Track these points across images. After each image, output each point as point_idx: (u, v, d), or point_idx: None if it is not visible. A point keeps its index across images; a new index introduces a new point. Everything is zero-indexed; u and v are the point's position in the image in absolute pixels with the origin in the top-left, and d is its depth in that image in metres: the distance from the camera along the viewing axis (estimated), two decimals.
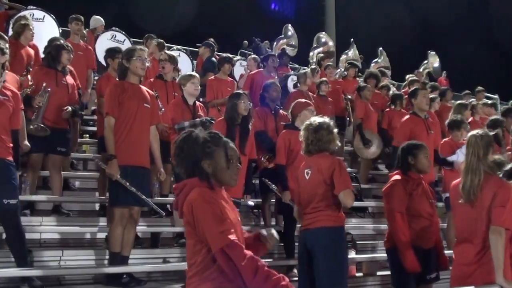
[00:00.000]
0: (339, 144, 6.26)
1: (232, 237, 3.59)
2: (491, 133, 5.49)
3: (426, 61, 19.42)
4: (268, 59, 11.90)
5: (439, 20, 34.02)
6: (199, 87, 8.16)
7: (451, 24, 33.76)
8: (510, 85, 27.98)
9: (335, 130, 5.95)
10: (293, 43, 16.95)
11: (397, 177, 6.07)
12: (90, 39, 12.19)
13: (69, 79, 8.09)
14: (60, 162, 7.97)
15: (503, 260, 4.92)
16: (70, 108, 7.81)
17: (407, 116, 9.08)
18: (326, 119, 5.99)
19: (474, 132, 5.35)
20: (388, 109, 11.81)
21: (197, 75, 8.45)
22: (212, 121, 7.74)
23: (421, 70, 18.52)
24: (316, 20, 27.19)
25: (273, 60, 11.88)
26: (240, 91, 7.68)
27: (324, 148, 5.87)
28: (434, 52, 19.45)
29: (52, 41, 8.32)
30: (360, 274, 8.17)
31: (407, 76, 15.68)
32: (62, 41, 8.33)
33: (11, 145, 6.16)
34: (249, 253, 3.60)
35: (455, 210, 5.43)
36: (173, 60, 9.00)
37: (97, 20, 13.23)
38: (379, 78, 13.11)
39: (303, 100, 8.21)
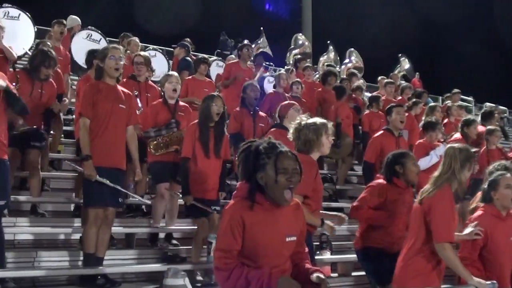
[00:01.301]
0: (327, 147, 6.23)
1: (224, 259, 3.71)
2: (473, 150, 5.45)
3: (399, 65, 19.57)
4: (242, 48, 12.00)
5: (439, 20, 34.34)
6: (178, 86, 8.14)
7: (451, 24, 34.11)
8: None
9: (326, 132, 5.89)
10: (261, 46, 17.12)
11: (381, 181, 6.24)
12: (66, 39, 12.11)
13: (47, 87, 8.02)
14: (38, 158, 7.88)
15: (461, 266, 5.01)
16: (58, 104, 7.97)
17: (380, 132, 9.06)
18: (318, 120, 5.93)
19: (455, 144, 5.37)
20: (367, 112, 11.91)
21: (175, 73, 8.42)
22: (178, 122, 7.76)
23: (396, 72, 18.63)
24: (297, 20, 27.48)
25: (247, 49, 11.98)
26: (214, 93, 7.64)
27: (307, 149, 5.85)
28: (404, 57, 19.62)
29: (39, 44, 8.25)
30: (335, 274, 8.20)
31: (379, 78, 15.73)
32: (48, 51, 8.12)
33: (6, 142, 6.15)
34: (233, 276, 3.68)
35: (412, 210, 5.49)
36: (148, 62, 8.95)
37: (74, 19, 13.13)
38: (336, 74, 13.12)
39: (287, 101, 8.36)
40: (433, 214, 5.05)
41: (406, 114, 11.24)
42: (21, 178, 8.62)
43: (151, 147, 7.75)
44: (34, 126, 7.63)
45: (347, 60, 17.99)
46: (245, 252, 3.77)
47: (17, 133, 7.33)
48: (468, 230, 5.57)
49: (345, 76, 15.19)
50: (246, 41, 13.27)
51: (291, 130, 5.97)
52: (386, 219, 6.11)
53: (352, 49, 18.02)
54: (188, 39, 15.07)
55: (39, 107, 7.86)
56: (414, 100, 12.29)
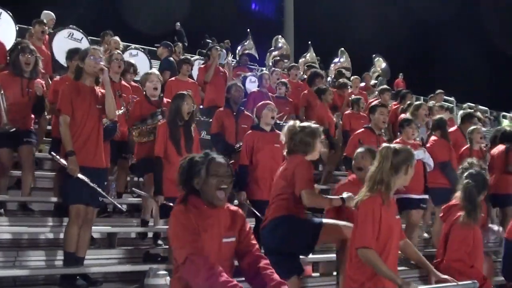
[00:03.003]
0: (321, 150, 6.30)
1: (195, 248, 3.95)
2: (413, 152, 5.21)
3: (373, 66, 19.65)
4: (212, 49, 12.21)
5: (424, 21, 34.53)
6: (158, 84, 8.16)
7: (435, 25, 34.32)
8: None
9: (317, 136, 6.03)
10: (247, 48, 17.19)
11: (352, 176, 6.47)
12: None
13: (37, 85, 7.91)
14: (31, 155, 7.89)
15: (388, 270, 4.85)
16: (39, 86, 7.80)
17: (361, 129, 9.25)
18: (312, 124, 6.11)
19: (391, 145, 5.20)
20: (347, 112, 11.98)
21: (155, 71, 8.41)
22: (164, 112, 7.77)
23: (370, 73, 18.67)
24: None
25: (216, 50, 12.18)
26: (185, 92, 7.60)
27: (301, 150, 5.97)
28: (379, 57, 19.69)
29: (18, 44, 8.21)
30: (317, 274, 8.21)
31: (352, 78, 15.75)
32: (20, 44, 8.09)
33: None
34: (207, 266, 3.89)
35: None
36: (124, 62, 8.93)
37: (47, 14, 12.99)
38: (322, 76, 13.19)
39: (262, 102, 8.39)
40: (358, 218, 5.01)
41: (402, 115, 11.39)
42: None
43: (134, 134, 7.75)
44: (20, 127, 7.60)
45: (336, 60, 18.07)
46: None
47: (2, 132, 7.34)
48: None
49: (333, 75, 15.38)
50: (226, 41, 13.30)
51: (283, 131, 6.12)
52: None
53: (342, 49, 18.10)
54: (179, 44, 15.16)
55: (28, 107, 7.82)
56: (409, 102, 12.37)
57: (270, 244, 5.81)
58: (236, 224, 4.29)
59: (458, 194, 6.83)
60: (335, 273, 8.09)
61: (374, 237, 4.87)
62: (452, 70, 32.34)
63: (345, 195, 5.88)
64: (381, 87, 14.73)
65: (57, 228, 7.50)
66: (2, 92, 7.42)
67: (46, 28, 11.10)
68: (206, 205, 4.16)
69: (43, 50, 10.37)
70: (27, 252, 7.01)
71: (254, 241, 4.38)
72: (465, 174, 6.59)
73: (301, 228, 5.93)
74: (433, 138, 9.57)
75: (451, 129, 10.57)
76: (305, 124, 6.08)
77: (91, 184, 6.48)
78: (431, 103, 14.12)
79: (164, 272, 6.23)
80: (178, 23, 24.25)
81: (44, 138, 10.13)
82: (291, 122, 6.18)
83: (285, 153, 6.19)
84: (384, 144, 5.23)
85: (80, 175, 6.47)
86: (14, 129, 7.39)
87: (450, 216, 6.54)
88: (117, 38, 11.77)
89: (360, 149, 6.42)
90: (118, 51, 9.38)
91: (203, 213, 4.13)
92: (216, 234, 4.15)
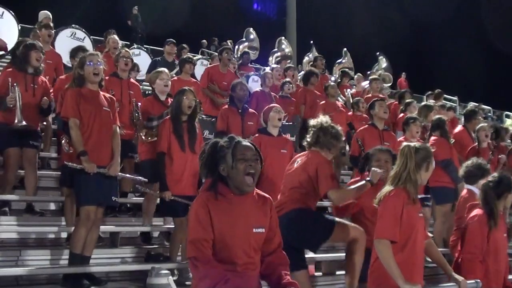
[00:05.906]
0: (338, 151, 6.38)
1: (196, 250, 3.84)
2: (432, 149, 5.22)
3: (377, 64, 19.69)
4: (222, 52, 11.99)
5: (426, 20, 34.55)
6: (169, 82, 8.17)
7: (437, 24, 34.33)
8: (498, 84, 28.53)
9: (340, 140, 6.20)
10: (255, 45, 17.09)
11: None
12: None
13: (41, 81, 7.97)
14: (35, 158, 7.92)
15: (396, 267, 4.79)
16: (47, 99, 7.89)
17: (364, 127, 9.30)
18: (334, 125, 6.22)
19: (411, 143, 5.20)
20: (349, 114, 12.02)
21: (166, 70, 8.39)
22: None
23: (374, 71, 18.73)
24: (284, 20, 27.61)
25: (227, 53, 11.96)
26: (186, 87, 7.53)
27: (321, 148, 6.09)
28: (382, 56, 19.74)
29: (21, 42, 8.20)
30: (319, 273, 8.21)
31: (356, 77, 15.80)
32: (31, 41, 8.12)
33: None
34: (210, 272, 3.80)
35: None
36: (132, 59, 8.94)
37: (43, 14, 12.96)
38: (318, 74, 13.23)
39: (268, 105, 8.41)
40: (379, 211, 4.99)
41: (401, 115, 11.41)
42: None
43: (142, 134, 7.74)
44: (31, 125, 7.62)
45: (340, 60, 18.13)
46: (215, 244, 3.91)
47: (15, 129, 7.36)
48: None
49: (337, 75, 15.41)
50: (229, 42, 13.25)
51: (312, 123, 6.23)
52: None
53: (345, 49, 18.16)
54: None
55: (33, 104, 7.82)
56: (407, 100, 12.38)
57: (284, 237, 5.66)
58: (265, 213, 4.11)
59: (464, 192, 6.84)
60: (337, 273, 8.13)
61: (394, 230, 4.85)
62: (454, 69, 32.30)
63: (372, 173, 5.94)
64: (370, 77, 14.76)
65: (60, 228, 7.50)
66: (18, 89, 7.46)
67: (53, 32, 11.07)
68: (234, 192, 3.98)
69: (50, 53, 10.32)
70: (30, 251, 7.02)
71: (279, 238, 4.24)
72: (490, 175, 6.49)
73: (316, 223, 5.95)
74: (433, 138, 9.56)
75: (457, 129, 10.57)
76: (334, 124, 6.16)
77: (122, 175, 6.51)
78: (430, 101, 14.13)
79: (167, 271, 6.22)
80: (136, 7, 24.07)
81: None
82: (322, 118, 6.25)
83: (305, 144, 6.28)
84: (405, 143, 5.22)
85: (100, 170, 6.50)
86: (25, 125, 7.41)
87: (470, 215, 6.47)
88: (115, 36, 11.72)
89: (381, 153, 6.32)
90: (126, 49, 9.36)
91: (230, 201, 3.96)
92: (245, 224, 3.97)
